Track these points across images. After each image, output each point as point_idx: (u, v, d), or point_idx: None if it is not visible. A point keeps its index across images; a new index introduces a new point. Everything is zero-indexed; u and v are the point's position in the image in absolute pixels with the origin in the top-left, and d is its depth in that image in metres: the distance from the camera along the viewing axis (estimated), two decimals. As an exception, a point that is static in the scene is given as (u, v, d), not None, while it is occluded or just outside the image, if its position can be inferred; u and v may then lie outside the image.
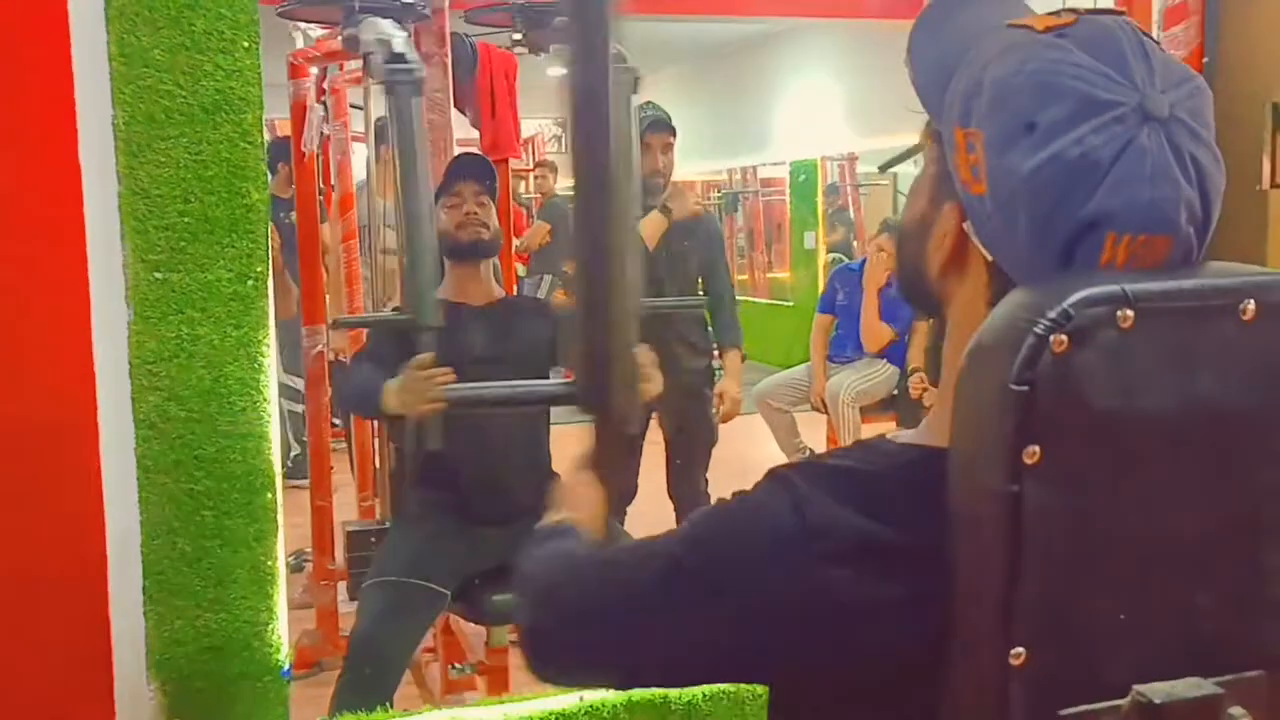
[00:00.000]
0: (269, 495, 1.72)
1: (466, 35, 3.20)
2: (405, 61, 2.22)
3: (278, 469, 1.73)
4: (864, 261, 4.92)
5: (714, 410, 3.58)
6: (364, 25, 2.33)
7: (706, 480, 3.63)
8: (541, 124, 10.29)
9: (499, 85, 3.35)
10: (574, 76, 1.07)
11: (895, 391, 4.74)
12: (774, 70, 9.23)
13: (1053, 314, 0.64)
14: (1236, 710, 0.70)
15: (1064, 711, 0.68)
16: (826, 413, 4.84)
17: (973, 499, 0.68)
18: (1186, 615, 0.70)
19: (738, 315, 3.73)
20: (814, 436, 5.22)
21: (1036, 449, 0.65)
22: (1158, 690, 0.68)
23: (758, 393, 4.94)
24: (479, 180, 2.58)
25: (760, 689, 1.96)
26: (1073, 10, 0.74)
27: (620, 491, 3.41)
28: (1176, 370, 0.67)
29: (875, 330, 4.61)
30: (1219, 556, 0.70)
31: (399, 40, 2.28)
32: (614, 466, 1.19)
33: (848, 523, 0.74)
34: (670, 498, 3.59)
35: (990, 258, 0.75)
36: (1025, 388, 0.64)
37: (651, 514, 3.42)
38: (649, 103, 3.73)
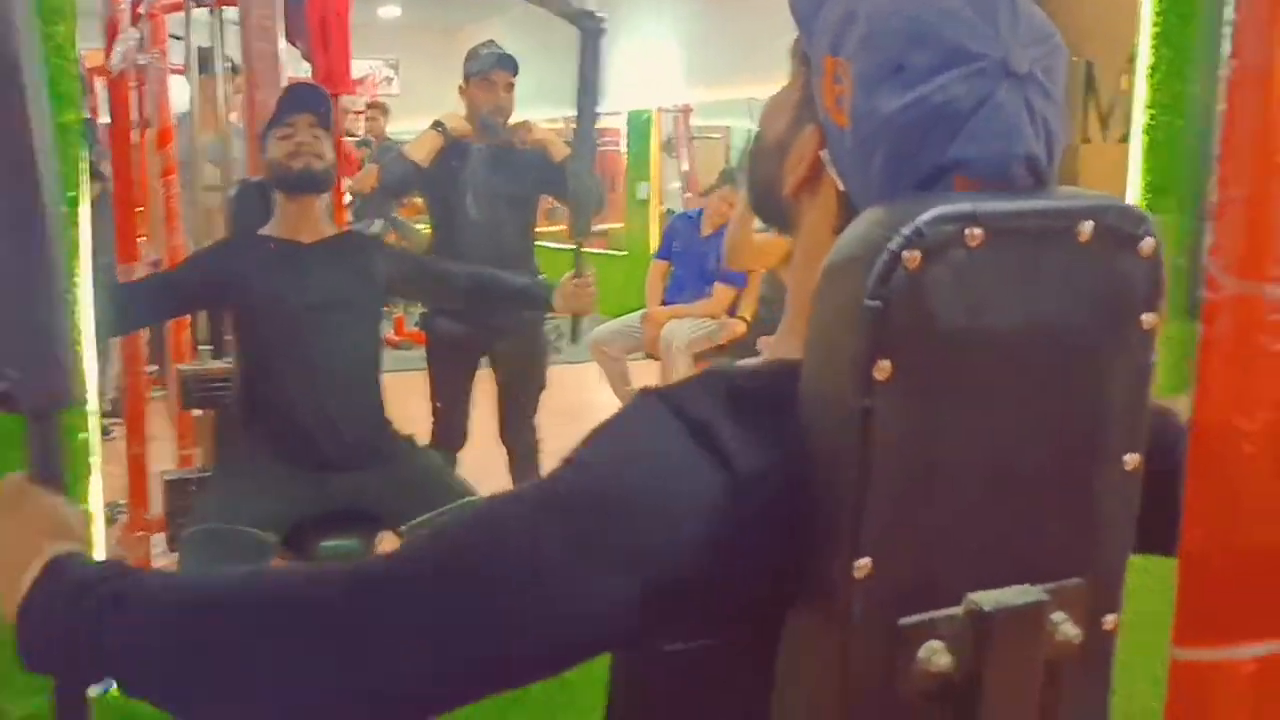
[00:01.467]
0: (80, 436, 1.63)
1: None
2: None
3: (93, 407, 1.63)
4: (700, 212, 4.99)
5: (546, 357, 3.57)
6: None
7: (535, 426, 3.61)
8: (372, 65, 10.00)
9: (331, 17, 3.24)
10: None
11: (726, 341, 4.83)
12: (610, 20, 9.18)
13: (906, 230, 0.66)
14: (1058, 615, 0.74)
15: (903, 620, 0.70)
16: (660, 360, 4.90)
17: (825, 412, 0.69)
18: (1018, 527, 0.74)
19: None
20: (647, 382, 5.28)
21: (888, 364, 0.66)
22: (988, 598, 0.71)
23: (592, 340, 4.95)
24: (313, 110, 2.48)
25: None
26: None
27: (450, 438, 3.37)
28: (1019, 290, 0.69)
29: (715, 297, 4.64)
30: (1050, 471, 0.74)
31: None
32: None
33: (715, 421, 0.72)
34: (503, 442, 3.57)
35: (842, 187, 0.76)
36: (879, 303, 0.66)
37: (481, 462, 3.41)
38: (490, 41, 3.66)
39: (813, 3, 0.80)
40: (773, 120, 0.84)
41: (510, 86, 3.51)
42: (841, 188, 0.76)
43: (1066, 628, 0.74)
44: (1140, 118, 1.97)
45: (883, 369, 0.66)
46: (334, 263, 2.49)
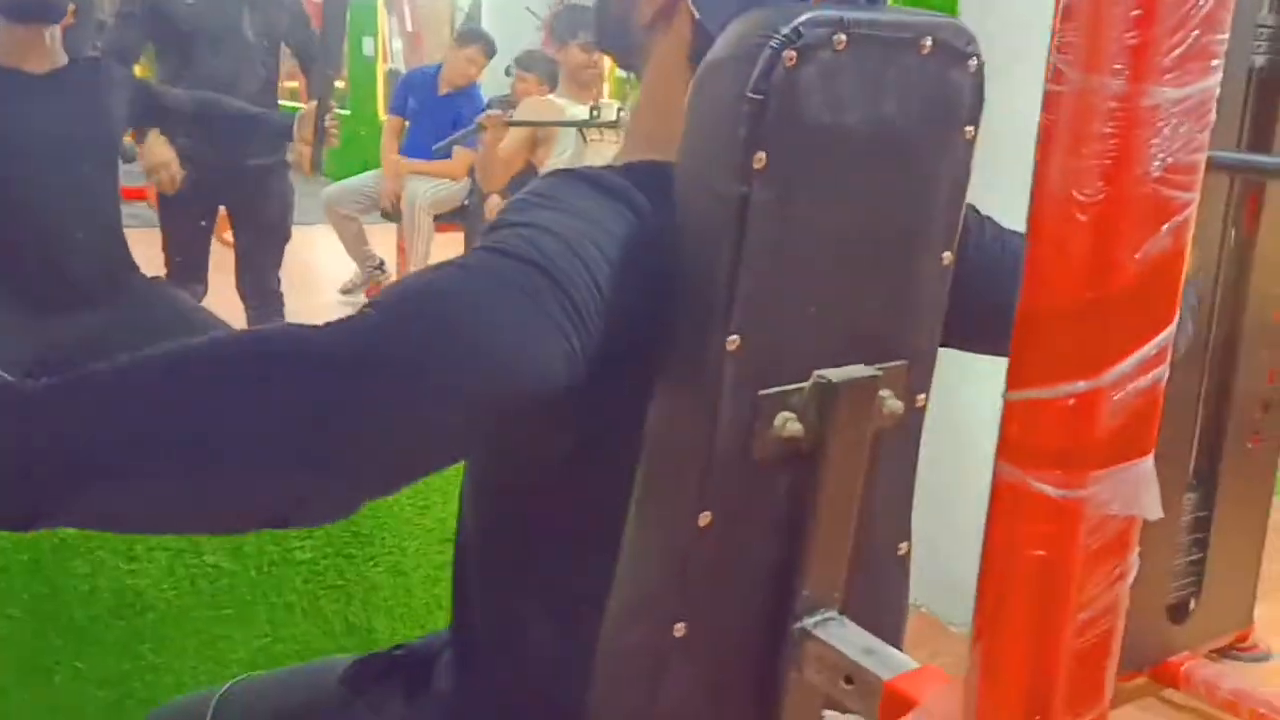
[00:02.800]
0: None
1: None
2: None
3: None
4: (439, 67, 4.87)
5: (289, 206, 3.45)
6: None
7: (279, 279, 3.51)
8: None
9: None
10: None
11: (466, 202, 4.81)
12: None
13: (785, 30, 0.72)
14: (885, 392, 0.85)
15: (763, 392, 0.78)
16: (397, 220, 4.82)
17: (704, 200, 0.75)
18: (855, 311, 0.83)
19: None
20: (383, 245, 5.19)
21: (763, 155, 0.73)
22: (834, 373, 0.81)
23: (326, 200, 4.80)
24: None
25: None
26: None
27: (192, 289, 3.23)
28: (870, 92, 0.77)
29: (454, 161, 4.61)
30: (883, 261, 0.83)
31: None
32: None
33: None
34: (240, 296, 3.44)
35: (698, 15, 0.82)
36: (760, 97, 0.72)
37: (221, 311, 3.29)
38: None
39: None
40: None
41: None
42: (697, 16, 0.83)
43: (892, 402, 0.84)
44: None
45: (759, 159, 0.72)
46: (65, 94, 2.30)
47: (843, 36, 0.74)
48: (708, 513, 0.78)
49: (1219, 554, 2.34)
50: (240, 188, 3.25)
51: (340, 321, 0.69)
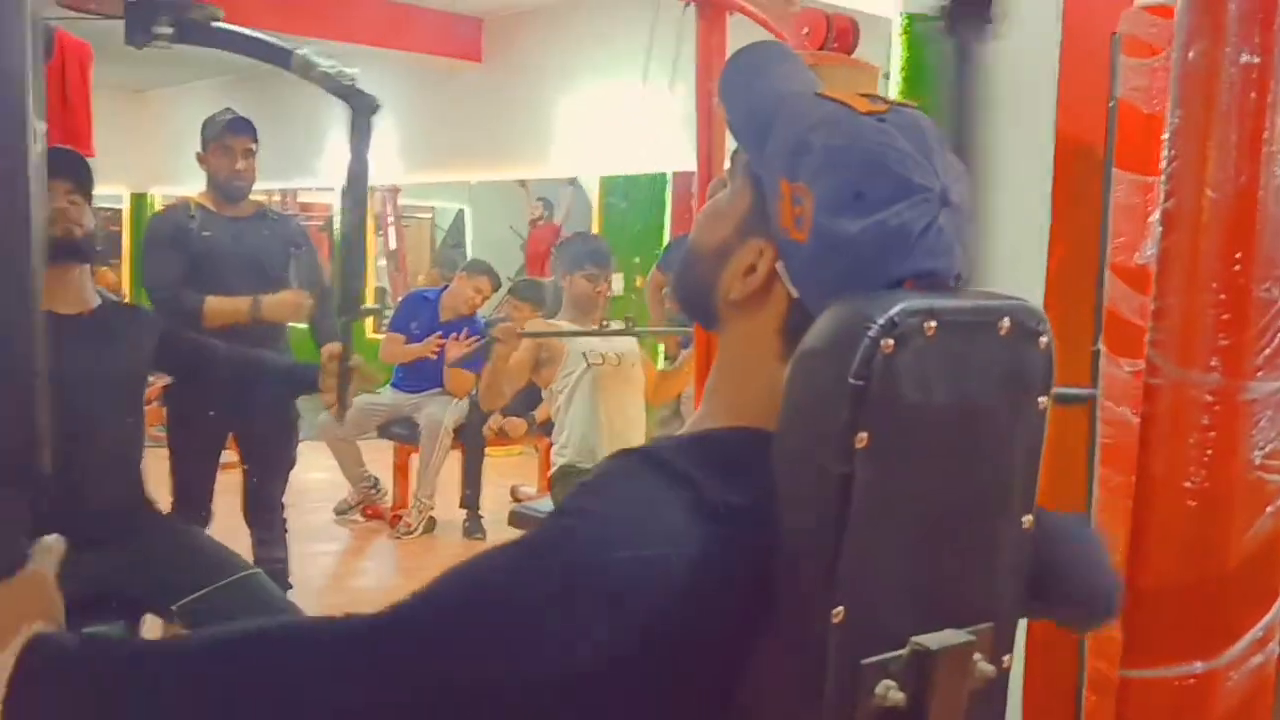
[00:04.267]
0: None
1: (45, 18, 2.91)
2: None
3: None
4: (438, 292, 5.02)
5: (296, 434, 3.48)
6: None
7: (283, 506, 3.51)
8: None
9: (72, 72, 3.08)
10: None
11: (464, 422, 4.88)
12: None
13: (882, 320, 0.77)
14: (977, 655, 0.86)
15: (865, 660, 0.80)
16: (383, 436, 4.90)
17: (807, 479, 0.79)
18: (946, 576, 0.86)
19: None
20: (378, 463, 5.20)
21: (865, 435, 0.76)
22: (932, 640, 0.82)
23: (321, 423, 4.84)
24: (72, 177, 2.36)
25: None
26: (884, 99, 0.88)
27: (191, 520, 3.21)
28: (956, 370, 0.82)
29: (460, 380, 4.77)
30: (970, 528, 0.86)
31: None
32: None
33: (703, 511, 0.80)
34: (247, 522, 3.43)
35: (795, 295, 0.86)
36: (861, 382, 0.76)
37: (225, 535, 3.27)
38: (228, 108, 3.60)
39: (753, 129, 0.90)
40: (711, 227, 0.93)
41: (249, 153, 3.46)
42: (794, 294, 0.87)
43: (983, 665, 0.86)
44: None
45: (862, 439, 0.76)
46: (96, 336, 2.35)
47: (933, 323, 0.79)
48: (813, 787, 0.78)
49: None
50: (253, 423, 3.29)
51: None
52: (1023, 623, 0.97)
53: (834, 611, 0.77)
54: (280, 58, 2.49)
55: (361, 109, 2.67)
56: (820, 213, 0.84)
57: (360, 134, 2.67)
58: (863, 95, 0.88)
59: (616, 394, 3.62)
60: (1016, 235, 2.13)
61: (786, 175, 0.86)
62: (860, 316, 0.78)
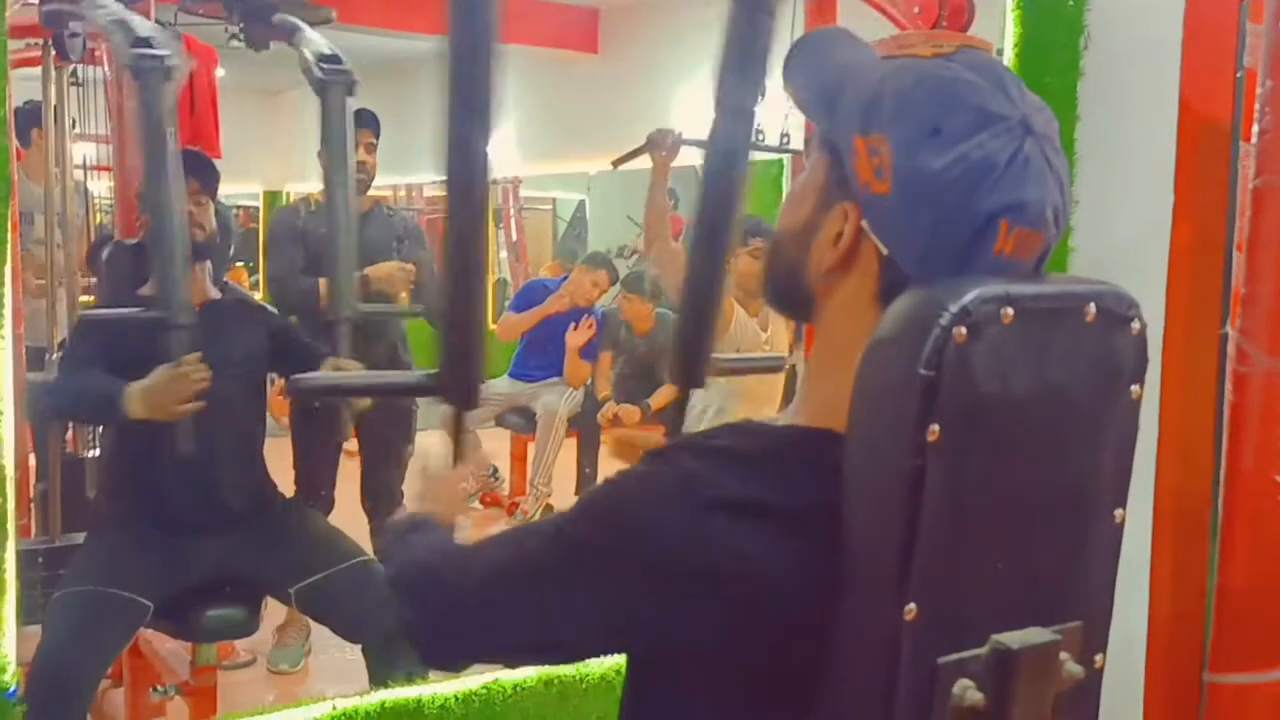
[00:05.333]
0: None
1: (170, 24, 3.02)
2: (151, 46, 2.07)
3: (10, 465, 1.56)
4: (558, 283, 5.07)
5: (414, 420, 3.56)
6: (87, 3, 2.14)
7: (402, 492, 3.58)
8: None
9: (199, 79, 3.18)
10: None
11: (579, 410, 4.92)
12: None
13: (955, 308, 0.74)
14: (1064, 655, 0.83)
15: (941, 660, 0.77)
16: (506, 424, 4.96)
17: (877, 473, 0.76)
18: (1030, 572, 0.82)
19: None
20: (498, 454, 5.29)
21: (937, 427, 0.74)
22: (1013, 638, 0.79)
23: (442, 411, 4.93)
24: (199, 178, 2.45)
25: (592, 675, 2.09)
26: (949, 43, 0.84)
27: (320, 503, 3.31)
28: (1036, 360, 0.78)
29: (578, 369, 4.81)
30: (1056, 522, 0.83)
31: (141, 23, 2.12)
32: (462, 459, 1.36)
33: (731, 485, 0.81)
34: (365, 510, 3.51)
35: (885, 251, 0.83)
36: (932, 373, 0.73)
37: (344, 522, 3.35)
38: None
39: (826, 96, 0.88)
40: (793, 210, 0.90)
41: (371, 147, 3.53)
42: (884, 252, 0.83)
43: (1071, 665, 0.82)
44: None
45: (933, 432, 0.74)
46: (218, 326, 2.44)
47: (1010, 310, 0.76)
48: (887, 788, 0.76)
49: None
50: (372, 414, 3.36)
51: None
52: (1140, 623, 0.93)
53: (906, 609, 0.75)
54: None
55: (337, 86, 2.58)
56: (899, 157, 0.80)
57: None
58: (935, 43, 0.85)
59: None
60: (1139, 215, 2.04)
61: (860, 131, 0.83)
62: (932, 304, 0.75)
